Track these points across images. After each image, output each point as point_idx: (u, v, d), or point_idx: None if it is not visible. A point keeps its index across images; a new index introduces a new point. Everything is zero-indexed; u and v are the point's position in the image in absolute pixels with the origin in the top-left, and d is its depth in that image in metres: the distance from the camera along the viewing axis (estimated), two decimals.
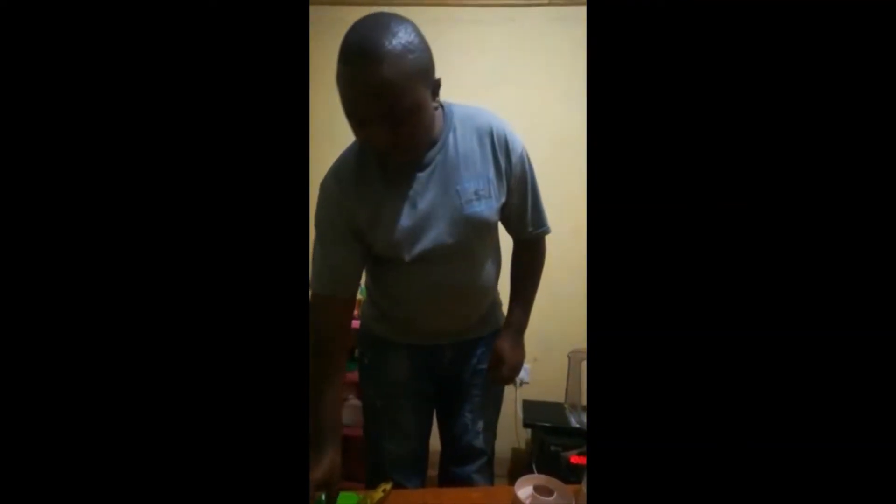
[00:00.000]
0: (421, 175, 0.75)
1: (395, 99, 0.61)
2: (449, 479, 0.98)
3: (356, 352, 1.00)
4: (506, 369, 0.93)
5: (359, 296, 1.60)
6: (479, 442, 0.96)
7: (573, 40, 1.66)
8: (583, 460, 1.46)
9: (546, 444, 1.52)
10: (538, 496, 0.73)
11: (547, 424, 1.57)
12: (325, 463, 0.74)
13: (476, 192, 0.76)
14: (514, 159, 0.80)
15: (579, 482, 0.72)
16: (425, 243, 0.76)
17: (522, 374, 1.48)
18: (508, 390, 1.02)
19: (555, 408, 1.63)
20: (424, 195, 0.75)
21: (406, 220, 0.75)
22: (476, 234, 0.79)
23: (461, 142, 0.77)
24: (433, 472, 1.02)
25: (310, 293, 0.79)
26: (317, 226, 0.79)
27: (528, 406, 1.68)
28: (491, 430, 0.99)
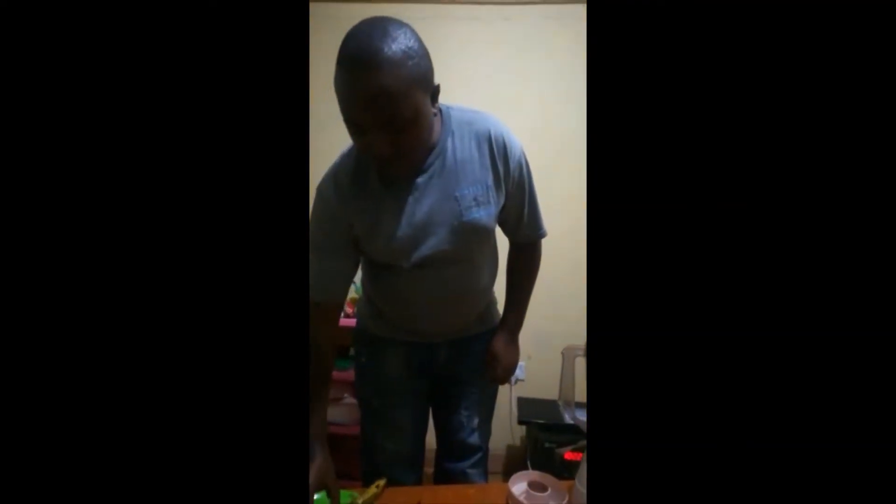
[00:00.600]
0: (419, 181, 0.74)
1: (395, 107, 0.60)
2: (444, 475, 0.98)
3: (351, 350, 1.00)
4: (501, 369, 0.93)
5: (354, 294, 1.60)
6: (474, 439, 0.96)
7: (569, 39, 1.66)
8: (577, 456, 1.48)
9: (540, 441, 1.53)
10: (532, 492, 0.74)
11: (541, 421, 1.58)
12: (318, 463, 0.74)
13: (475, 199, 0.76)
14: (513, 165, 0.79)
15: (573, 478, 0.73)
16: (424, 250, 0.76)
17: (517, 372, 1.48)
18: (503, 387, 1.03)
19: (549, 404, 1.64)
20: (423, 201, 0.74)
21: (405, 227, 0.74)
22: (475, 240, 0.79)
23: (459, 148, 0.75)
24: (429, 469, 1.02)
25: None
26: (311, 231, 0.78)
27: (523, 403, 1.69)
28: (486, 427, 0.99)
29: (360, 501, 0.76)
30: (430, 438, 1.00)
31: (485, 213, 0.76)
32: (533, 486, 0.75)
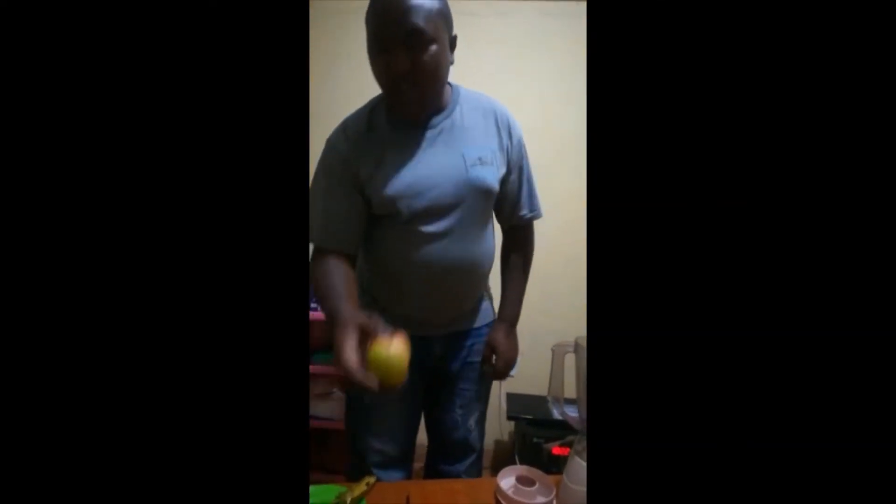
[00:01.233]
0: (428, 134, 0.77)
1: (417, 21, 0.67)
2: (437, 475, 0.97)
3: None
4: (500, 363, 0.93)
5: None
6: (469, 438, 0.95)
7: (566, 35, 1.66)
8: (564, 451, 1.49)
9: (528, 436, 1.54)
10: (521, 486, 0.74)
11: (530, 417, 1.59)
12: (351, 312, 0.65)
13: (480, 158, 0.79)
14: (515, 140, 0.84)
15: (560, 472, 0.73)
16: (424, 201, 0.76)
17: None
18: (494, 384, 1.02)
19: (538, 400, 1.66)
20: (429, 152, 0.77)
21: (408, 173, 0.76)
22: (476, 201, 0.79)
23: (467, 115, 0.81)
24: (419, 463, 1.02)
25: (310, 250, 0.78)
26: (319, 179, 0.79)
27: (512, 399, 1.70)
28: (480, 427, 0.98)
29: (349, 498, 0.75)
30: (421, 434, 0.99)
31: (489, 173, 0.79)
32: (521, 480, 0.75)
